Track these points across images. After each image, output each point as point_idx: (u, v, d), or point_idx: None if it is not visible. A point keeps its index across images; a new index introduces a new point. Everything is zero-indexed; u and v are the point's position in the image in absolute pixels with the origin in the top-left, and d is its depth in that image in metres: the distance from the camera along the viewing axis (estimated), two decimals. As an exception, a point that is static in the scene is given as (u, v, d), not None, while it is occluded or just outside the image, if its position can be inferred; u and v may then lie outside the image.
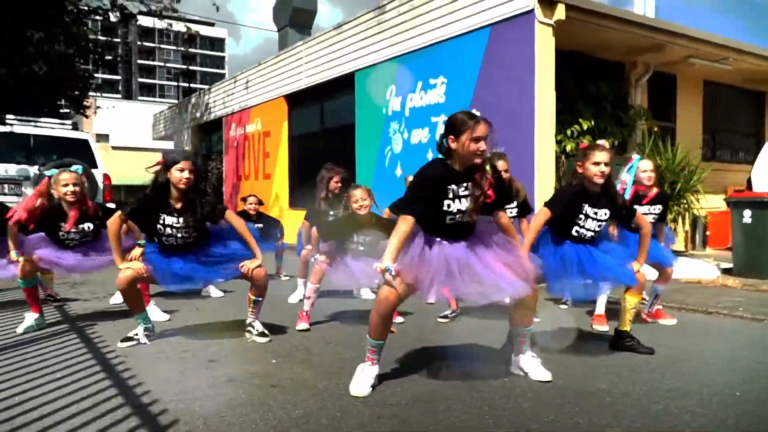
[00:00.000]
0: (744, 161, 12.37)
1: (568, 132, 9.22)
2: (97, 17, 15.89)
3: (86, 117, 18.76)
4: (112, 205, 8.87)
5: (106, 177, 10.50)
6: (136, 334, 4.18)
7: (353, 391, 3.09)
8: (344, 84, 11.71)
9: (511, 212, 5.03)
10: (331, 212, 5.65)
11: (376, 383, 3.21)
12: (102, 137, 38.58)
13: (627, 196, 4.85)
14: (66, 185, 4.68)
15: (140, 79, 76.37)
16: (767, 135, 12.92)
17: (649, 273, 5.41)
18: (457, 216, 3.21)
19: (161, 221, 4.13)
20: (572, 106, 9.42)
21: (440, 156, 3.28)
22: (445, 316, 5.11)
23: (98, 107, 19.31)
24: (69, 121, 12.02)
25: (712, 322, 5.27)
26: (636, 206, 4.86)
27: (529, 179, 7.86)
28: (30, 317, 4.60)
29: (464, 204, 3.20)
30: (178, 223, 4.14)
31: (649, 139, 9.95)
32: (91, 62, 16.64)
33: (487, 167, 3.27)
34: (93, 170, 10.14)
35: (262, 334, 4.31)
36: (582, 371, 3.57)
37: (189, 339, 4.37)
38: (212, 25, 73.06)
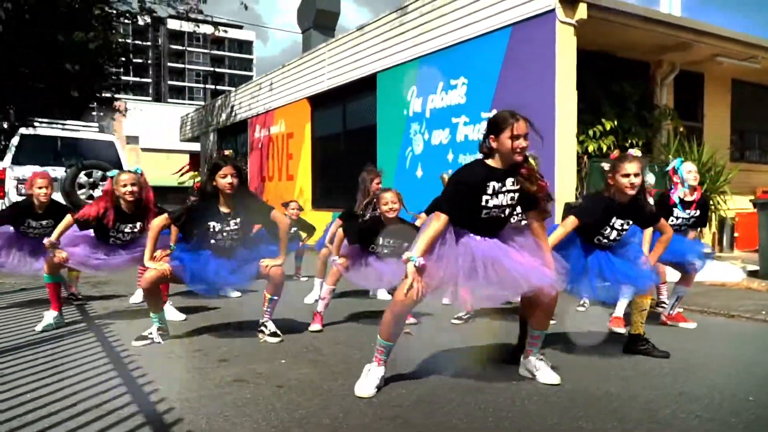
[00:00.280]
0: (773, 162, 12.14)
1: (591, 132, 9.12)
2: (126, 21, 16.14)
3: (113, 120, 19.06)
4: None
5: (132, 178, 10.63)
6: (150, 333, 4.23)
7: (358, 391, 3.10)
8: (366, 85, 11.74)
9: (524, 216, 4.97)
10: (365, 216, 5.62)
11: (381, 384, 3.21)
12: (132, 139, 39.30)
13: (677, 197, 4.82)
14: (125, 185, 4.78)
15: (170, 82, 77.56)
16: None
17: (671, 274, 5.35)
18: (492, 211, 3.21)
19: (211, 229, 4.23)
20: (595, 107, 9.31)
21: (481, 156, 3.30)
22: (459, 318, 5.08)
23: (127, 109, 19.56)
24: (95, 124, 12.23)
25: (734, 325, 5.17)
26: (680, 210, 4.83)
27: (549, 180, 7.75)
28: (49, 315, 4.68)
29: (503, 199, 3.21)
30: (228, 226, 4.25)
31: (675, 140, 9.79)
32: (119, 65, 16.88)
33: (531, 160, 3.29)
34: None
35: (273, 335, 4.34)
36: (592, 375, 3.52)
37: (201, 338, 4.41)
38: (240, 27, 73.79)
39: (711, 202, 9.53)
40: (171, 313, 5.03)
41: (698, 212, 4.97)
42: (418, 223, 4.98)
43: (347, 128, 12.88)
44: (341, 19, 16.92)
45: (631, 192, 3.74)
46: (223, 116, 18.66)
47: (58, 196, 7.39)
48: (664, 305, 5.31)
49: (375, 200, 4.83)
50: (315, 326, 4.70)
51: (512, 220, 3.46)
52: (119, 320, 5.03)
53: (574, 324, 5.01)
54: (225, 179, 4.16)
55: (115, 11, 15.78)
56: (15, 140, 10.49)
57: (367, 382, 3.14)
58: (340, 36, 12.99)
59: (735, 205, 9.86)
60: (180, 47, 76.52)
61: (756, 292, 6.73)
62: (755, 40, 9.88)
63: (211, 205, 4.25)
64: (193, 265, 4.18)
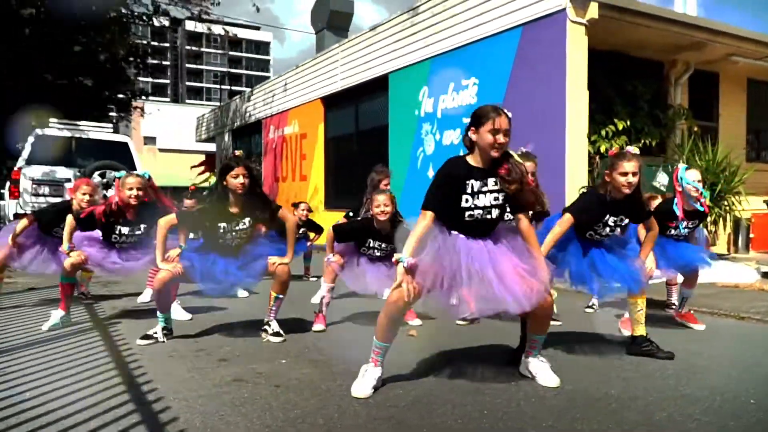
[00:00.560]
0: (791, 162, 11.95)
1: (603, 132, 9.05)
2: (141, 23, 16.29)
3: (128, 122, 19.24)
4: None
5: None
6: (155, 333, 4.27)
7: (354, 392, 3.10)
8: (378, 86, 11.76)
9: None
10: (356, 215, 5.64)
11: (379, 385, 3.21)
12: (149, 140, 39.66)
13: (679, 211, 4.70)
14: (131, 189, 4.82)
15: (188, 83, 78.13)
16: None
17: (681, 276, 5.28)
18: (476, 213, 3.17)
19: (221, 230, 4.26)
20: (608, 106, 9.25)
21: (465, 150, 3.28)
22: (464, 319, 5.06)
23: (143, 110, 19.77)
24: (109, 124, 12.36)
25: (743, 327, 5.10)
26: (679, 221, 4.75)
27: (560, 180, 7.76)
28: (56, 314, 4.73)
29: (484, 200, 3.17)
30: (237, 226, 4.28)
31: (689, 140, 9.69)
32: (134, 66, 17.05)
33: (516, 154, 3.25)
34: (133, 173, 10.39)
35: (276, 334, 4.36)
36: (593, 376, 3.49)
37: (205, 338, 4.44)
38: (258, 28, 74.20)
39: (726, 203, 9.43)
40: (178, 312, 5.06)
41: (698, 221, 4.85)
42: None
43: (360, 128, 12.90)
44: (358, 18, 17.03)
45: (627, 191, 3.70)
46: (238, 117, 18.77)
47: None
48: (674, 306, 5.26)
49: (368, 201, 4.83)
50: (318, 326, 4.71)
51: (505, 219, 3.39)
52: (126, 319, 5.08)
53: (581, 325, 4.97)
54: (237, 179, 4.18)
55: (130, 12, 15.93)
56: (30, 140, 10.61)
57: (364, 382, 3.14)
58: (352, 37, 13.03)
59: (750, 205, 9.72)
60: (198, 48, 77.06)
61: (769, 294, 6.63)
62: (770, 39, 9.77)
63: (221, 206, 4.27)
64: (203, 264, 4.22)
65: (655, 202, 5.23)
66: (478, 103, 9.24)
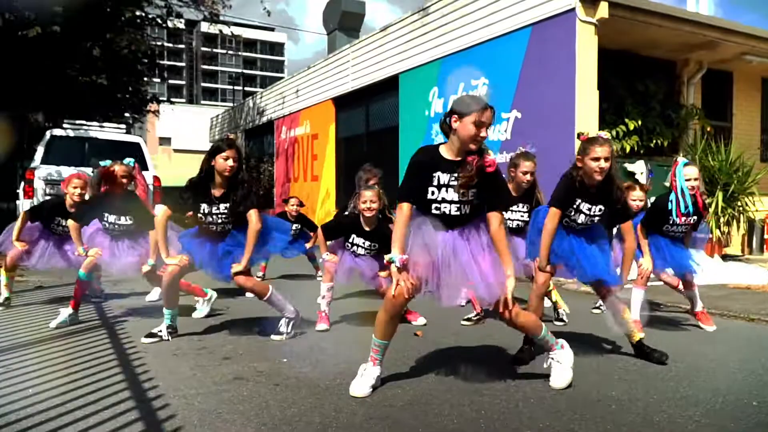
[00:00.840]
0: (806, 162, 11.78)
1: (614, 132, 8.98)
2: (155, 24, 16.39)
3: (142, 123, 19.37)
4: (161, 207, 9.15)
5: (156, 179, 10.83)
6: (160, 331, 4.30)
7: (353, 391, 3.10)
8: (389, 86, 11.75)
9: (523, 215, 4.93)
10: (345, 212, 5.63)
11: (378, 384, 3.21)
12: (165, 140, 39.93)
13: (675, 210, 4.65)
14: (120, 177, 4.88)
15: (203, 84, 78.62)
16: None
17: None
18: (443, 206, 3.12)
19: (201, 210, 4.25)
20: (619, 106, 9.19)
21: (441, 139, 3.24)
22: (469, 319, 5.05)
23: (157, 111, 19.90)
24: (122, 125, 12.46)
25: (753, 329, 5.05)
26: (675, 218, 4.68)
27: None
28: (65, 312, 4.77)
29: (453, 195, 3.10)
30: (217, 209, 4.25)
31: (702, 140, 9.60)
32: (148, 68, 17.16)
33: (490, 153, 3.15)
34: (144, 172, 10.47)
35: (277, 333, 4.38)
36: (595, 378, 3.47)
37: (209, 336, 4.47)
38: (272, 30, 74.49)
39: (739, 203, 9.33)
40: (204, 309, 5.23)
41: (696, 218, 4.78)
42: None
43: (370, 129, 12.90)
44: (372, 19, 17.05)
45: (599, 177, 3.59)
46: (251, 118, 18.86)
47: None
48: (687, 312, 5.25)
49: (355, 197, 4.84)
50: (321, 326, 4.73)
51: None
52: (133, 317, 5.12)
53: (587, 326, 4.94)
54: (226, 161, 4.15)
55: (144, 14, 16.03)
56: (44, 140, 10.73)
57: (362, 381, 3.14)
58: (363, 37, 13.04)
59: (764, 206, 9.62)
60: (213, 50, 77.47)
61: (781, 296, 6.56)
62: (785, 38, 9.64)
63: (204, 187, 4.25)
64: (200, 252, 4.27)
65: (633, 193, 5.19)
66: (488, 102, 9.21)
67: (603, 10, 7.77)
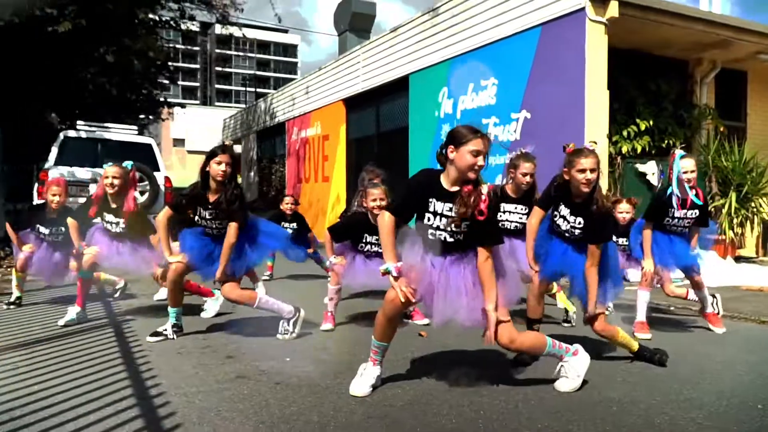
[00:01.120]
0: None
1: (625, 133, 8.93)
2: (168, 27, 16.48)
3: (158, 122, 19.51)
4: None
5: (167, 180, 10.90)
6: (165, 330, 4.33)
7: (352, 390, 3.10)
8: (399, 87, 11.75)
9: (521, 217, 4.91)
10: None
11: (378, 384, 3.21)
12: (178, 142, 40.17)
13: (674, 200, 4.62)
14: (107, 177, 4.88)
15: (217, 86, 79.05)
16: None
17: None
18: (437, 233, 3.11)
19: (198, 213, 4.30)
20: (630, 106, 9.12)
21: (438, 167, 3.21)
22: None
23: (171, 113, 20.07)
24: (134, 126, 12.56)
25: (763, 332, 4.99)
26: (674, 210, 4.65)
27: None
28: (72, 311, 4.81)
29: (446, 224, 3.08)
30: (212, 214, 4.29)
31: (715, 140, 9.51)
32: (166, 69, 17.29)
33: (484, 187, 3.08)
34: (155, 173, 10.56)
35: (282, 332, 4.40)
36: (597, 379, 3.43)
37: (214, 335, 4.49)
38: (286, 32, 74.78)
39: (753, 204, 9.24)
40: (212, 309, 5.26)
41: (697, 212, 4.74)
42: None
43: (380, 130, 12.91)
44: (385, 19, 17.06)
45: (586, 189, 3.56)
46: (263, 119, 18.94)
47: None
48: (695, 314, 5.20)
49: (362, 195, 4.81)
50: (326, 325, 4.73)
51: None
52: (141, 316, 5.15)
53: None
54: (219, 166, 4.17)
55: (158, 17, 16.14)
56: (57, 142, 10.83)
57: (362, 381, 3.15)
58: (373, 38, 13.05)
59: (778, 207, 9.51)
60: (227, 51, 77.91)
61: (793, 298, 6.48)
62: (800, 36, 9.52)
63: (199, 192, 4.29)
64: (200, 248, 4.31)
65: (620, 206, 5.18)
66: (497, 103, 9.20)
67: (613, 9, 7.72)
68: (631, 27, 8.24)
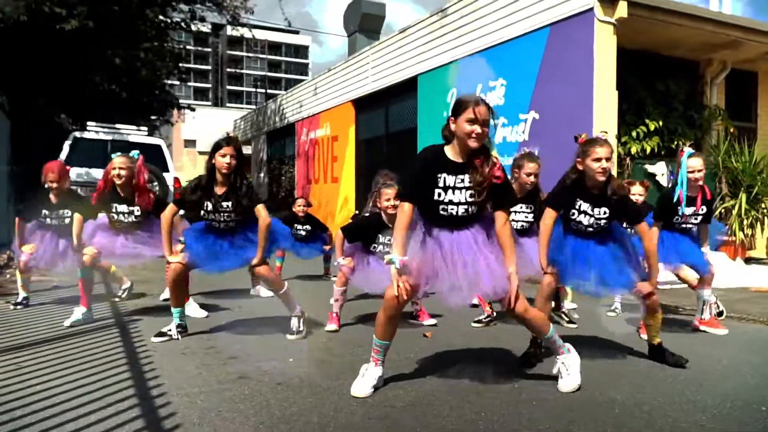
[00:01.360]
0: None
1: (634, 134, 8.88)
2: (177, 29, 16.55)
3: (167, 125, 19.59)
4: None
5: (176, 180, 10.96)
6: (170, 330, 4.34)
7: (353, 391, 3.10)
8: (408, 88, 11.76)
9: (527, 216, 4.90)
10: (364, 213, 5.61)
11: (380, 384, 3.20)
12: (189, 143, 40.31)
13: (678, 198, 4.60)
14: (114, 168, 4.96)
15: (228, 87, 79.38)
16: None
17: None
18: (449, 208, 3.11)
19: (204, 207, 4.31)
20: (639, 107, 9.07)
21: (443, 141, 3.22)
22: (479, 321, 5.02)
23: (180, 115, 20.15)
24: (144, 127, 12.62)
25: (771, 333, 4.94)
26: (684, 209, 4.63)
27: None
28: (78, 311, 4.85)
29: (459, 196, 3.10)
30: (221, 207, 4.29)
31: (725, 141, 9.44)
32: (169, 70, 17.34)
33: (493, 153, 3.16)
34: (164, 174, 10.61)
35: (292, 332, 4.41)
36: (602, 381, 3.41)
37: (218, 335, 4.50)
38: (297, 33, 74.96)
39: (763, 206, 9.16)
40: (194, 310, 5.16)
41: (705, 209, 4.71)
42: None
43: (389, 131, 12.91)
44: (396, 20, 17.07)
45: (602, 177, 3.59)
46: (273, 120, 18.99)
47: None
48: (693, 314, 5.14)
49: (376, 196, 4.80)
50: (331, 326, 4.73)
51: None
52: (147, 316, 5.17)
53: (601, 329, 4.87)
54: (224, 158, 4.20)
55: (169, 20, 16.21)
56: (67, 143, 10.91)
57: (363, 382, 3.14)
58: (382, 39, 13.07)
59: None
60: (238, 53, 78.24)
61: (803, 300, 6.41)
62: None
63: (207, 185, 4.30)
64: (204, 246, 4.31)
65: (633, 188, 5.18)
66: (506, 104, 9.18)
67: (622, 10, 7.69)
68: (640, 27, 8.20)
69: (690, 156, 4.61)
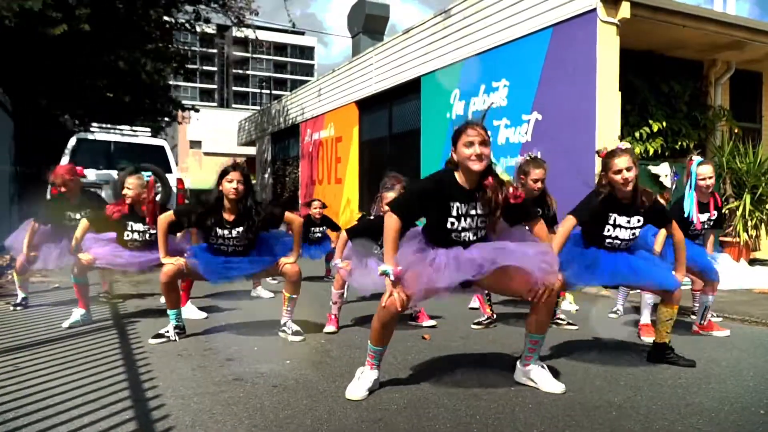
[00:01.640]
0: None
1: (637, 134, 8.83)
2: (182, 30, 16.58)
3: (170, 126, 19.61)
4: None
5: (180, 181, 10.97)
6: (167, 331, 4.34)
7: (348, 394, 3.08)
8: (411, 89, 11.74)
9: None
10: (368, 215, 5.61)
11: (376, 387, 3.19)
12: (195, 144, 40.37)
13: (691, 209, 4.59)
14: (125, 189, 5.02)
15: (234, 88, 79.54)
16: None
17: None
18: (463, 235, 3.14)
19: (213, 234, 4.31)
20: (643, 108, 9.02)
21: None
22: (479, 323, 4.99)
23: (185, 116, 20.19)
24: (147, 129, 12.65)
25: (773, 336, 4.90)
26: (698, 215, 4.63)
27: (590, 182, 7.58)
28: (77, 313, 4.85)
29: (471, 223, 3.14)
30: (230, 234, 4.30)
31: (729, 142, 9.38)
32: (174, 71, 17.37)
33: (499, 173, 3.20)
34: (167, 175, 10.61)
35: (296, 333, 4.42)
36: (599, 383, 3.40)
37: (216, 337, 4.49)
38: (302, 34, 75.08)
39: (768, 207, 9.10)
40: (192, 312, 5.16)
41: (716, 214, 4.71)
42: None
43: (393, 131, 12.89)
44: (401, 22, 17.07)
45: (627, 188, 3.63)
46: (277, 121, 19.01)
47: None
48: (693, 316, 5.10)
49: (378, 198, 4.78)
50: (329, 328, 4.72)
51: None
52: (146, 318, 5.16)
53: (601, 330, 4.85)
54: (231, 184, 4.20)
55: (173, 20, 16.25)
56: (70, 144, 10.93)
57: (359, 385, 3.12)
58: (386, 40, 13.06)
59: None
60: (244, 54, 78.39)
61: (807, 302, 6.36)
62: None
63: (215, 211, 4.29)
64: (204, 257, 4.31)
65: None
66: (508, 104, 9.15)
67: (624, 10, 7.64)
68: (644, 28, 8.15)
69: (700, 164, 4.62)
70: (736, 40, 8.80)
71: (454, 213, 3.10)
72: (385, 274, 3.06)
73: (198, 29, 17.32)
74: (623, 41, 7.84)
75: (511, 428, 2.69)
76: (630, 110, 8.74)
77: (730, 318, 5.40)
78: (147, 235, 5.04)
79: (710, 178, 4.61)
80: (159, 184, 5.30)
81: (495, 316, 5.04)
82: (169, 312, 4.39)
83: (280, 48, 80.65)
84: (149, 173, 5.13)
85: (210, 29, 18.11)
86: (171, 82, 18.38)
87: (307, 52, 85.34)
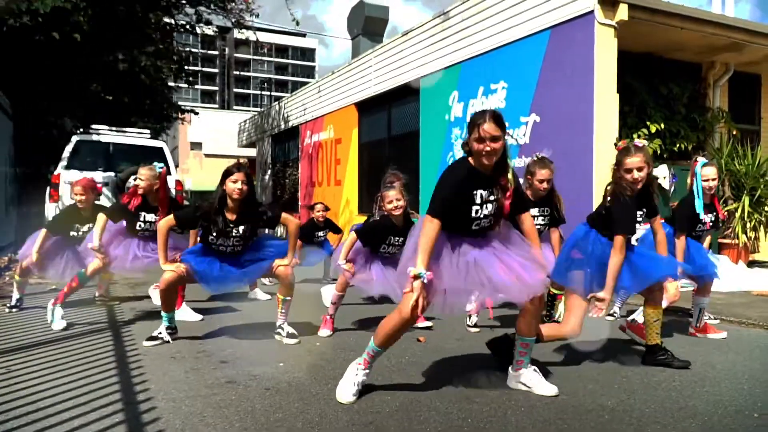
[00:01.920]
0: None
1: (636, 136, 8.81)
2: (184, 31, 16.59)
3: (170, 127, 19.62)
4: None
5: (179, 183, 10.96)
6: (160, 333, 4.33)
7: (338, 397, 3.07)
8: (410, 91, 11.72)
9: (544, 219, 4.85)
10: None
11: (362, 389, 3.15)
12: (196, 145, 40.43)
13: (701, 211, 4.58)
14: (136, 179, 5.15)
15: (235, 90, 79.60)
16: None
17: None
18: (483, 221, 3.14)
19: (214, 234, 4.31)
20: (641, 110, 9.01)
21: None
22: (476, 326, 4.98)
23: (183, 118, 20.20)
24: (146, 130, 12.65)
25: (769, 338, 4.88)
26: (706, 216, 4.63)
27: (587, 184, 7.59)
28: (57, 313, 4.81)
29: (490, 209, 3.14)
30: (232, 233, 4.31)
31: (728, 143, 9.37)
32: (175, 73, 17.38)
33: (509, 175, 3.16)
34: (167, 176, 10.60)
35: (291, 335, 4.41)
36: (593, 387, 3.38)
37: (210, 340, 4.48)
38: (303, 36, 75.14)
39: (767, 208, 9.07)
40: (188, 314, 5.15)
41: (715, 214, 4.70)
42: None
43: (392, 133, 12.89)
44: (401, 23, 17.07)
45: (638, 186, 3.62)
46: (277, 122, 19.00)
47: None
48: (689, 319, 5.08)
49: (378, 199, 4.74)
50: (324, 331, 4.70)
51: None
52: (141, 321, 5.16)
53: (597, 333, 4.82)
54: (235, 184, 4.21)
55: (173, 22, 16.25)
56: (70, 145, 10.93)
57: (348, 387, 3.10)
58: (385, 42, 13.05)
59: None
60: (246, 56, 78.49)
61: (804, 305, 6.34)
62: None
63: (218, 211, 4.29)
64: (198, 265, 4.29)
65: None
66: (507, 106, 9.13)
67: (622, 13, 7.63)
68: (642, 30, 8.15)
69: (704, 165, 4.61)
70: (735, 42, 8.80)
71: (478, 200, 3.10)
72: (418, 276, 2.95)
73: (199, 31, 17.34)
74: (621, 43, 7.84)
75: (502, 431, 2.68)
76: (628, 112, 8.73)
77: (727, 320, 5.39)
78: (154, 226, 5.07)
79: (713, 179, 4.61)
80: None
81: (492, 319, 5.02)
82: (163, 314, 4.38)
83: (282, 50, 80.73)
84: (161, 164, 5.19)
85: (211, 31, 18.11)
86: (171, 84, 18.33)
87: (308, 53, 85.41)
